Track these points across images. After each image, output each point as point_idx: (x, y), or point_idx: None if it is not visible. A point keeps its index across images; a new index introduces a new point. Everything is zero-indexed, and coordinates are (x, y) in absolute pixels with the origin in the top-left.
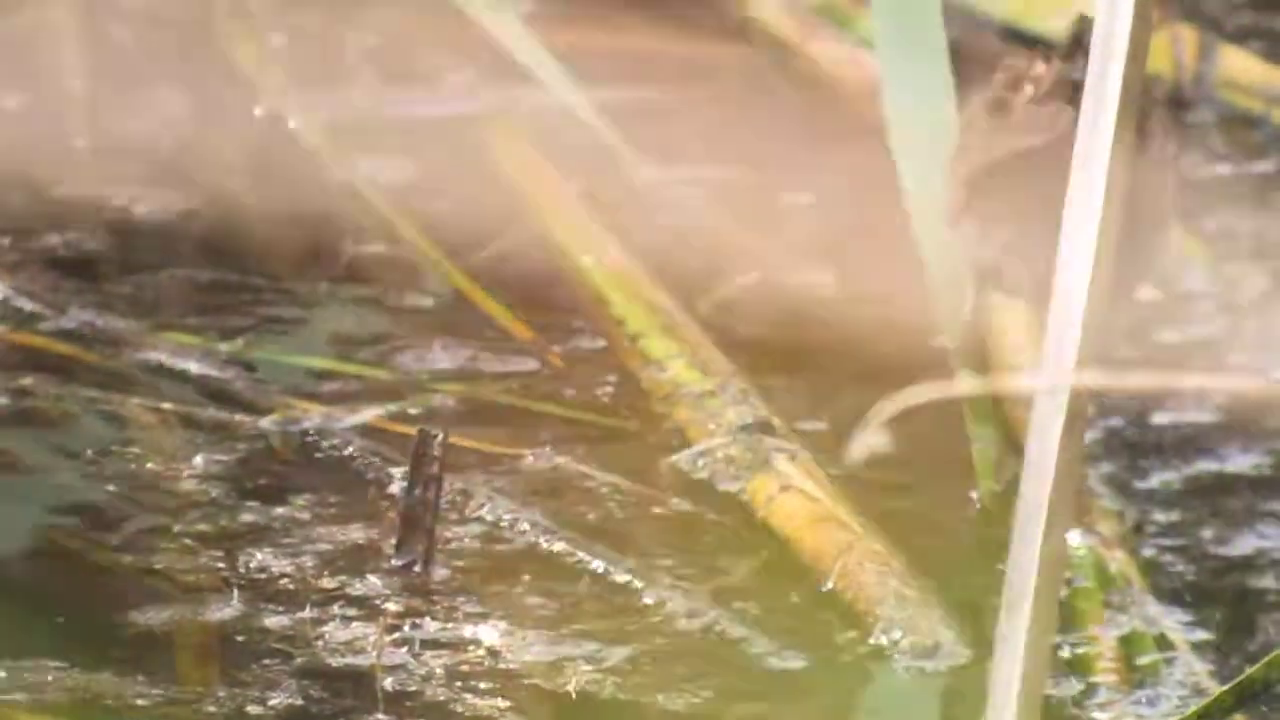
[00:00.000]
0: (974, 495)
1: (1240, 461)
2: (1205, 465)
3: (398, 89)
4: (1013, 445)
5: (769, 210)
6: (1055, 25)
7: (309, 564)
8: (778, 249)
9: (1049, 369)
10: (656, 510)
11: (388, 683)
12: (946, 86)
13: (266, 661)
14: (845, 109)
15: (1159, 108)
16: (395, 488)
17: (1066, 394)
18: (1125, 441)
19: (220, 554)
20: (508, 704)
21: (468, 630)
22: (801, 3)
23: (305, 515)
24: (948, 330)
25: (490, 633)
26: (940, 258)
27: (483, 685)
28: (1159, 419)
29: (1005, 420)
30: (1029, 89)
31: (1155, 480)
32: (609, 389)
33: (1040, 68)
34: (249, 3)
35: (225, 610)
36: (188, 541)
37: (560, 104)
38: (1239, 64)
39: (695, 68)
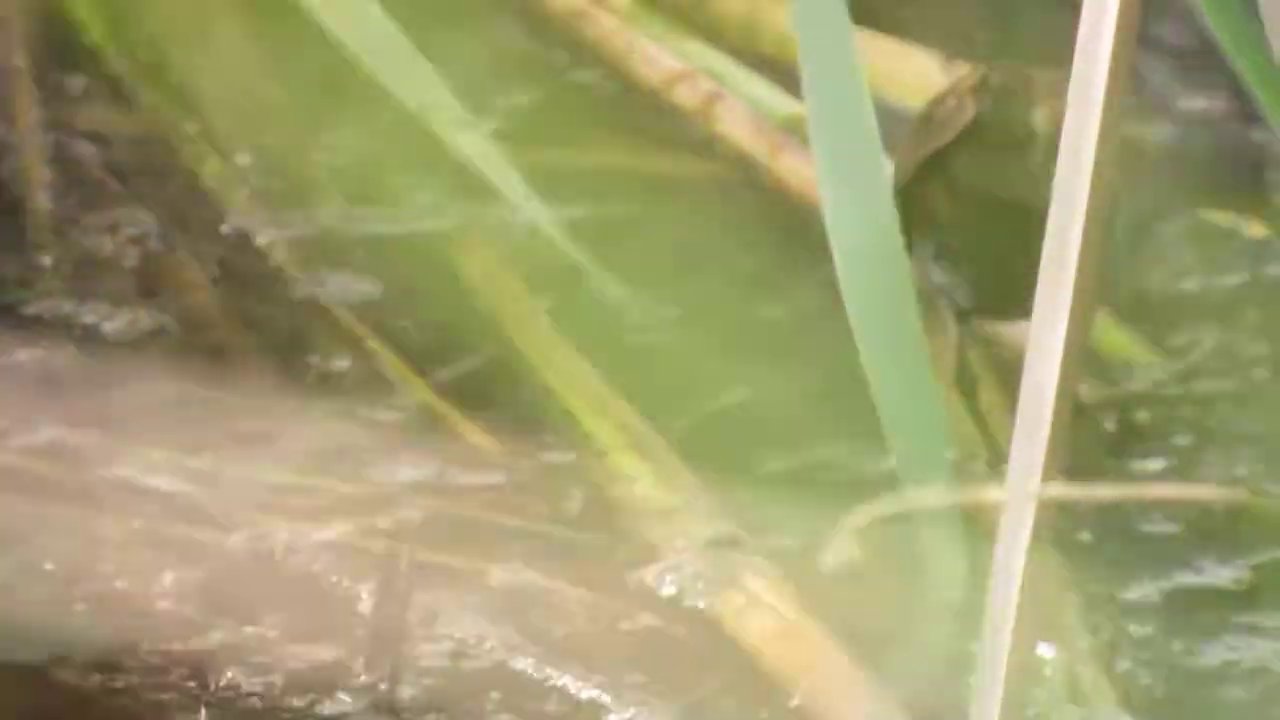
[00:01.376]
0: (942, 608)
1: (1219, 574)
2: (1182, 577)
3: (365, 206)
4: (980, 556)
5: (739, 327)
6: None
7: (278, 682)
8: (749, 366)
9: (1015, 479)
10: (624, 626)
11: None
12: (889, 212)
13: None
14: (815, 224)
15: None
16: (364, 604)
17: (1033, 505)
18: (1099, 552)
19: (189, 672)
20: None
21: None
22: (769, 118)
23: (274, 633)
24: (898, 444)
25: None
26: (888, 373)
27: None
28: (1133, 529)
29: (973, 531)
30: None
31: (1131, 592)
32: (577, 504)
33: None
34: (214, 121)
35: None
36: (156, 660)
37: (528, 221)
38: None
39: (663, 184)
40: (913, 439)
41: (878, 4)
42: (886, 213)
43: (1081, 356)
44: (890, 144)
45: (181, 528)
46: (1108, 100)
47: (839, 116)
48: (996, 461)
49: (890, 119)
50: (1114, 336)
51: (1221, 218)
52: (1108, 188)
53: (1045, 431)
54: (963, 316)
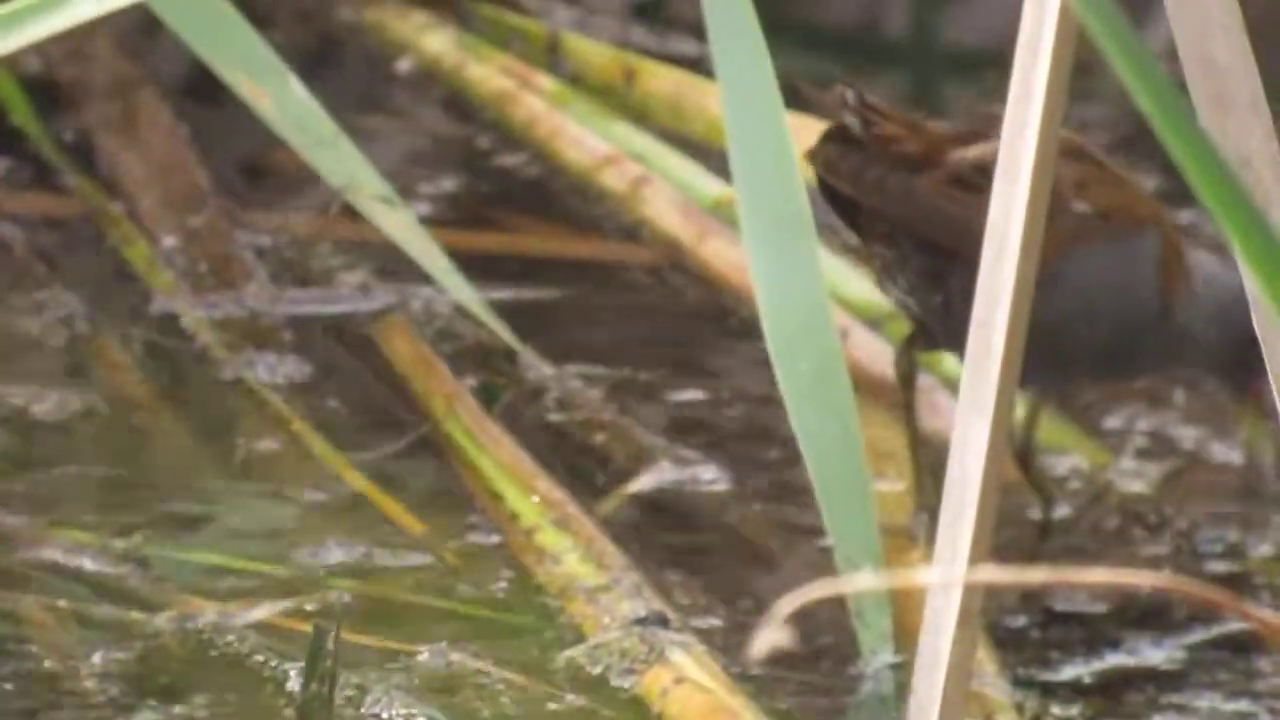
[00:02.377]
0: (871, 689)
1: (1151, 655)
2: (1115, 659)
3: (292, 287)
4: (908, 639)
5: (663, 408)
6: None
7: None
8: (674, 449)
9: (943, 563)
10: (551, 706)
11: None
12: (822, 295)
13: None
14: (739, 308)
15: None
16: (292, 684)
17: (960, 589)
18: (1029, 635)
19: None
20: None
21: None
22: (697, 201)
23: (203, 713)
24: (834, 526)
25: None
26: (824, 457)
27: None
28: (1066, 611)
29: (900, 616)
30: None
31: (1062, 673)
32: (504, 584)
33: None
34: (139, 203)
35: None
36: None
37: (455, 303)
38: None
39: (590, 268)
40: (847, 522)
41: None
42: (820, 296)
43: (1005, 442)
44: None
45: (109, 608)
46: (1034, 189)
47: (771, 199)
48: None
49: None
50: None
51: None
52: (1030, 283)
53: (971, 516)
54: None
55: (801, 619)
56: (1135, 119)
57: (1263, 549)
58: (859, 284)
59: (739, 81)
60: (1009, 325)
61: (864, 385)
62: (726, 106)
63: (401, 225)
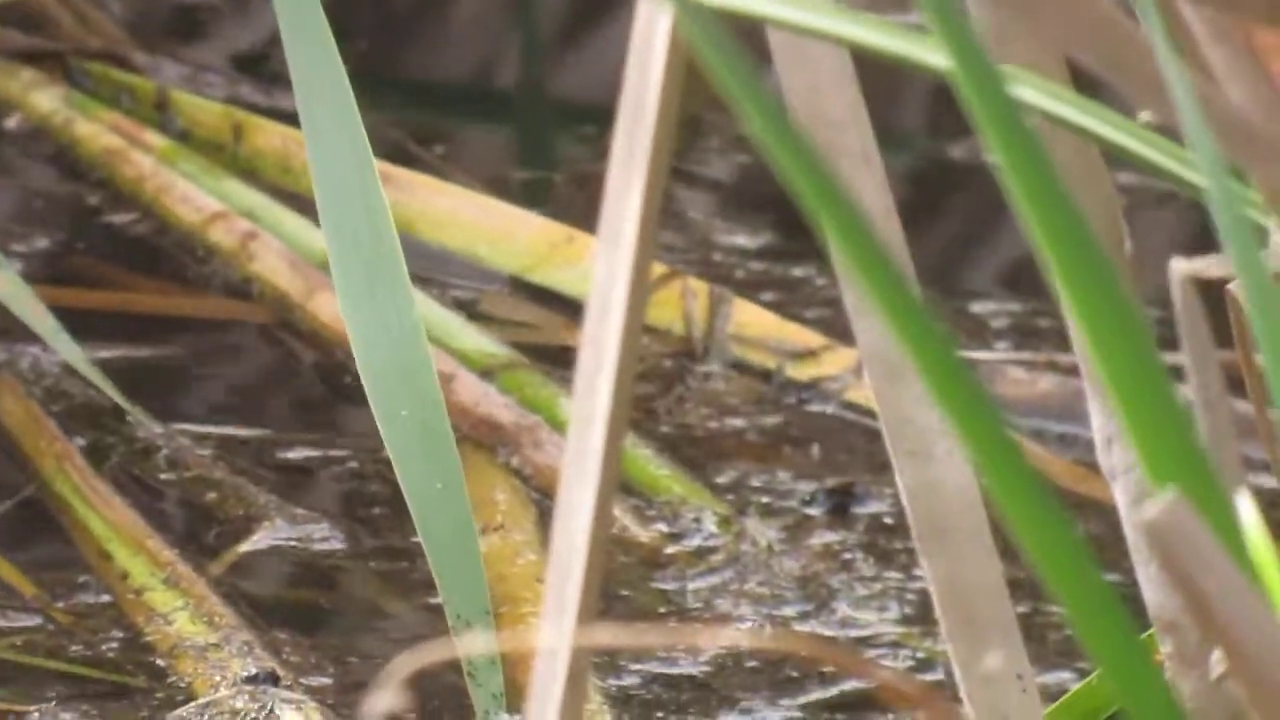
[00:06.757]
0: None
1: (767, 716)
2: (730, 719)
3: None
4: (521, 700)
5: (276, 468)
6: (565, 278)
7: None
8: (287, 507)
9: (550, 624)
10: None
11: None
12: (416, 339)
13: None
14: (350, 364)
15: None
16: None
17: (569, 650)
18: (644, 696)
19: None
20: None
21: None
22: (305, 256)
23: None
24: (445, 588)
25: None
26: (432, 518)
27: None
28: (680, 672)
29: (516, 673)
30: None
31: None
32: (115, 644)
33: None
34: None
35: None
36: None
37: (62, 361)
38: (751, 317)
39: (200, 326)
40: (456, 578)
41: (410, 145)
42: (419, 346)
43: (617, 495)
44: (425, 280)
45: None
46: (640, 245)
47: (363, 252)
48: None
49: (425, 256)
50: (656, 474)
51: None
52: (637, 332)
53: (581, 573)
54: None
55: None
56: (742, 172)
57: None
58: (470, 335)
59: (326, 135)
60: (615, 388)
61: (471, 431)
62: (314, 162)
63: (6, 283)
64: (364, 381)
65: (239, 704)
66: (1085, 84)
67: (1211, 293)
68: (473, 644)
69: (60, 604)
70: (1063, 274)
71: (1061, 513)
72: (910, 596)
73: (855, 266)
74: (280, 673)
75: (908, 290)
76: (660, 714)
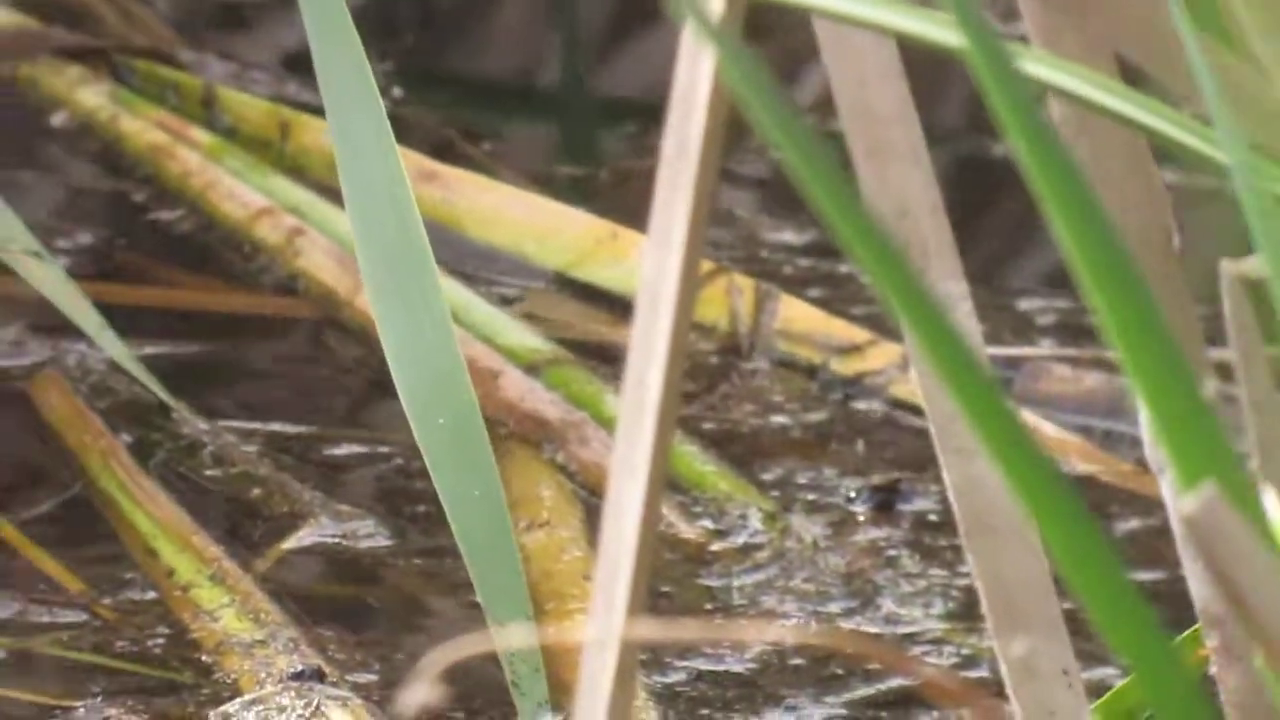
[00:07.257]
0: None
1: (812, 713)
2: (773, 716)
3: None
4: (565, 698)
5: (321, 464)
6: (609, 275)
7: None
8: (331, 504)
9: (598, 619)
10: None
11: None
12: (448, 338)
13: None
14: None
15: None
16: None
17: (617, 646)
18: (690, 693)
19: None
20: None
21: None
22: (350, 255)
23: None
24: (480, 581)
25: None
26: (465, 509)
27: None
28: (725, 669)
29: (560, 671)
30: None
31: None
32: (160, 640)
33: None
34: None
35: None
36: None
37: (107, 357)
38: (796, 313)
39: (245, 322)
40: (494, 576)
41: (457, 142)
42: (449, 345)
43: (664, 491)
44: (471, 277)
45: None
46: (689, 242)
47: (392, 249)
48: None
49: (472, 253)
50: (702, 470)
51: (808, 352)
52: (686, 329)
53: (630, 569)
54: None
55: (459, 675)
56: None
57: (936, 607)
58: (516, 331)
59: (353, 132)
60: (664, 384)
61: (517, 426)
62: (342, 161)
63: (52, 280)
64: (397, 386)
65: (285, 700)
66: (1135, 80)
67: (1263, 291)
68: (511, 639)
69: (106, 600)
70: (1084, 267)
71: (1085, 511)
72: (955, 593)
73: (873, 271)
74: (326, 669)
75: (915, 280)
76: (705, 711)
